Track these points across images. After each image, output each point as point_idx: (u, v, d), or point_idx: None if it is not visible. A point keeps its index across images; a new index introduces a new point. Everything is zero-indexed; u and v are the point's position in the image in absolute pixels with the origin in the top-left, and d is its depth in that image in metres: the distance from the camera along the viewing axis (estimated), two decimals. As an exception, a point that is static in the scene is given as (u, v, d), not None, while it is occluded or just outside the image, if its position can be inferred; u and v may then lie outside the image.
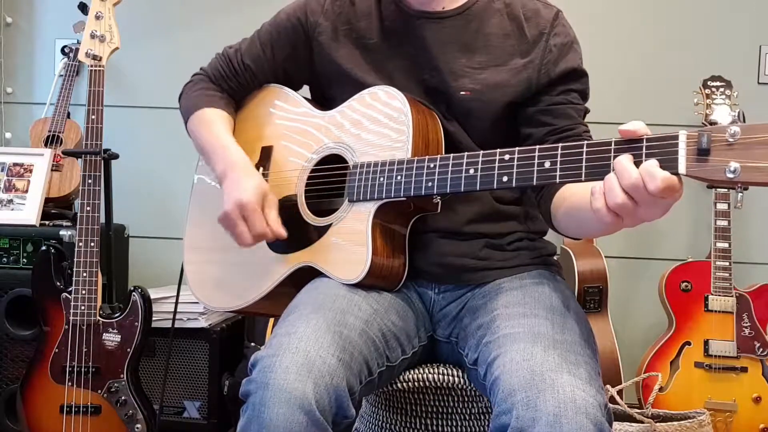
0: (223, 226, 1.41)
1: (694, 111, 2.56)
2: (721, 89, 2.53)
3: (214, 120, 1.53)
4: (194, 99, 1.57)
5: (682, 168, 0.99)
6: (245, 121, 1.59)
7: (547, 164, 1.13)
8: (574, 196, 1.26)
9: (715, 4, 2.78)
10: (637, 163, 1.02)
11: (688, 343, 2.46)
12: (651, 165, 1.00)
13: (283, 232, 1.39)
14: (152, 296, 2.23)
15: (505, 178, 1.18)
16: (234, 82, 1.58)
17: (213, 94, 1.57)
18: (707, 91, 2.55)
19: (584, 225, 1.25)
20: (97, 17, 2.18)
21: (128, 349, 2.14)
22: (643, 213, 1.03)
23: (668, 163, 1.00)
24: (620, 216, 1.04)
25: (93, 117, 2.17)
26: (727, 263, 2.45)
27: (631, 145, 1.04)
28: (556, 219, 1.32)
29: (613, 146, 1.06)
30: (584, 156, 1.09)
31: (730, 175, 0.96)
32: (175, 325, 2.33)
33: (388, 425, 1.46)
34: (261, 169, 1.52)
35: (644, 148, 1.03)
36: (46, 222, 2.51)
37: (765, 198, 2.71)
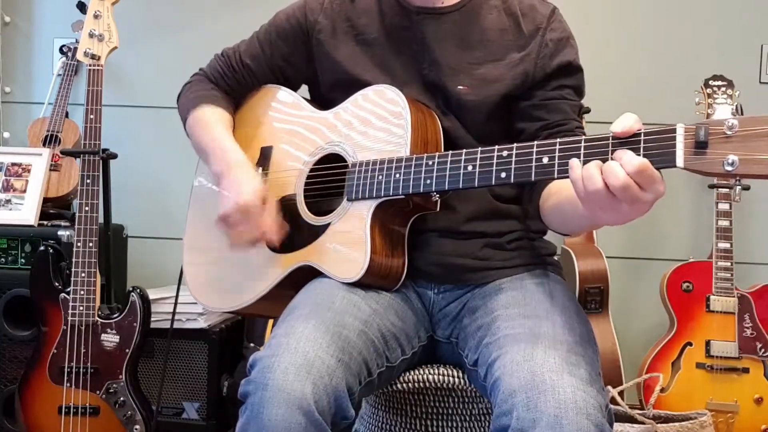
0: (224, 226, 1.42)
1: (696, 110, 2.56)
2: (723, 89, 2.52)
3: (212, 119, 1.53)
4: (192, 98, 1.56)
5: (680, 161, 0.99)
6: (244, 121, 1.58)
7: (545, 160, 1.13)
8: (562, 191, 1.27)
9: (717, 3, 2.78)
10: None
11: (690, 344, 2.46)
12: (628, 155, 1.01)
13: (276, 240, 1.40)
14: (151, 297, 2.22)
15: (503, 174, 1.18)
16: (232, 81, 1.57)
17: (211, 93, 1.56)
18: (709, 90, 2.54)
19: (568, 218, 1.27)
20: (96, 16, 2.17)
21: (127, 350, 2.13)
22: (626, 209, 1.03)
23: (666, 157, 1.00)
24: (601, 208, 1.05)
25: (91, 116, 2.16)
26: (729, 263, 2.45)
27: (628, 139, 1.03)
28: (544, 213, 1.34)
29: (610, 141, 1.06)
30: (582, 151, 1.09)
31: (729, 168, 0.95)
32: (175, 326, 2.33)
33: (387, 426, 1.45)
34: (260, 168, 1.52)
35: (642, 142, 1.03)
36: (45, 222, 2.51)
37: (766, 198, 2.71)
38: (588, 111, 2.45)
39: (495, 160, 1.19)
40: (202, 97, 1.55)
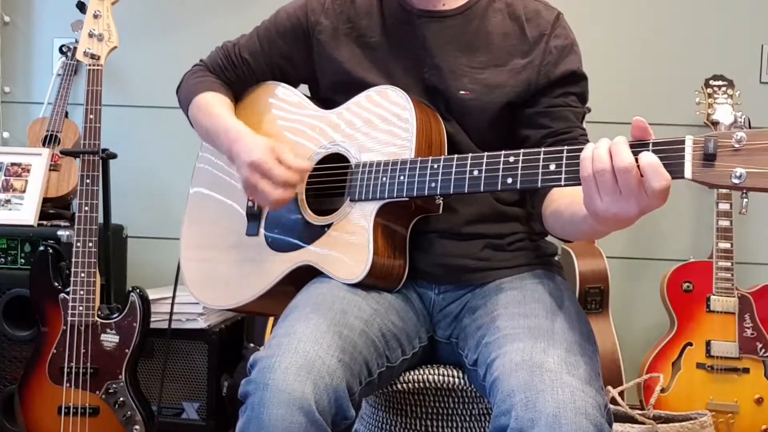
0: (249, 194, 1.40)
1: (696, 110, 2.56)
2: (723, 88, 2.52)
3: (214, 103, 1.52)
4: (192, 86, 1.56)
5: (688, 173, 1.00)
6: (245, 118, 1.57)
7: (552, 167, 1.13)
8: (562, 198, 1.27)
9: (717, 3, 2.77)
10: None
11: (690, 344, 2.46)
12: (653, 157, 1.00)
13: (306, 165, 1.36)
14: (150, 297, 2.22)
15: (509, 180, 1.17)
16: (231, 74, 1.57)
17: (211, 81, 1.56)
18: (709, 90, 2.54)
19: (566, 224, 1.26)
20: (96, 16, 2.17)
21: (126, 350, 2.13)
22: (622, 201, 1.03)
23: (674, 168, 1.00)
24: (599, 193, 1.04)
25: (91, 116, 2.16)
26: (729, 263, 2.44)
27: (637, 149, 1.03)
28: (545, 219, 1.33)
29: None
30: None
31: (736, 181, 0.96)
32: (174, 326, 2.32)
33: (387, 426, 1.45)
34: None
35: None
36: (44, 222, 2.50)
37: (767, 198, 2.70)
38: (588, 111, 2.45)
39: (501, 166, 1.18)
40: (202, 84, 1.55)
